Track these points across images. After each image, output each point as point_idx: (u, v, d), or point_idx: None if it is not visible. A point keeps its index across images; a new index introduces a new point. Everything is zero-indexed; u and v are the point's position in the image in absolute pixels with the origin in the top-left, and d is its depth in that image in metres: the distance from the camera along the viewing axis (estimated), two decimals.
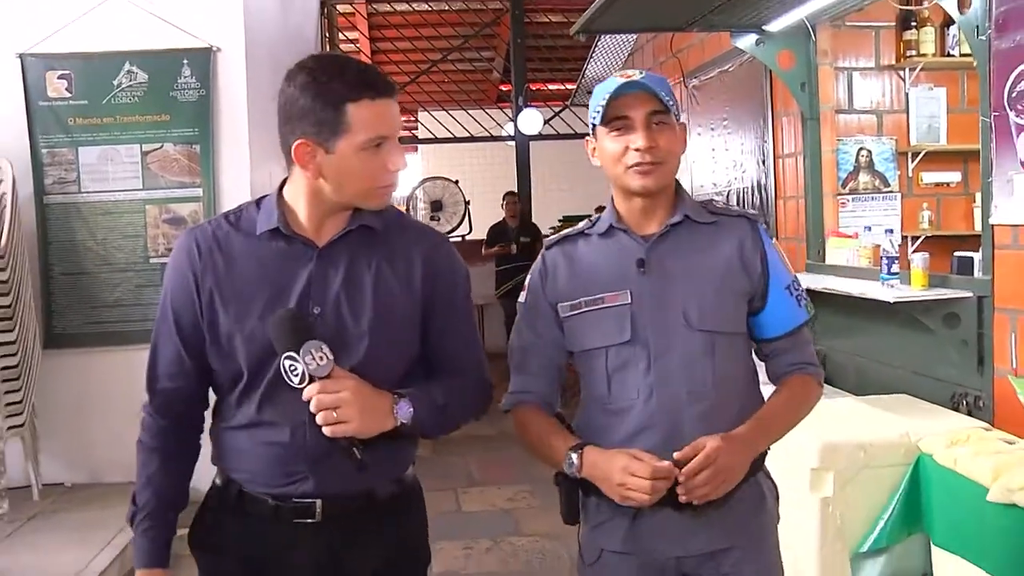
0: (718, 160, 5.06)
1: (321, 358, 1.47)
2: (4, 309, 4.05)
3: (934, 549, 2.39)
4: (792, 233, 4.17)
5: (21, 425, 4.17)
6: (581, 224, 1.78)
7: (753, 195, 4.56)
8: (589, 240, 1.75)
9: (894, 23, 4.00)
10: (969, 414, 2.78)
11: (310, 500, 1.58)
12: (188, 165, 4.68)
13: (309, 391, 1.47)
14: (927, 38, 3.96)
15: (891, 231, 3.14)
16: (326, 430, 1.48)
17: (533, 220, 8.96)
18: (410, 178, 11.90)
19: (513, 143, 9.56)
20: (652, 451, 1.57)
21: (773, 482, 1.77)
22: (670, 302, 1.64)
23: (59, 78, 4.57)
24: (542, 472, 1.75)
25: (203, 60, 4.65)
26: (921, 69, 4.04)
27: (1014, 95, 2.53)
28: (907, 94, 4.08)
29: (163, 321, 1.63)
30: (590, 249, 1.73)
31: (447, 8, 10.44)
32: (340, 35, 10.19)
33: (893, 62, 4.06)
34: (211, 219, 1.66)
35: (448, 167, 11.64)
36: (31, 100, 4.57)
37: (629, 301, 1.65)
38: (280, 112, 1.55)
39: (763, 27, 3.75)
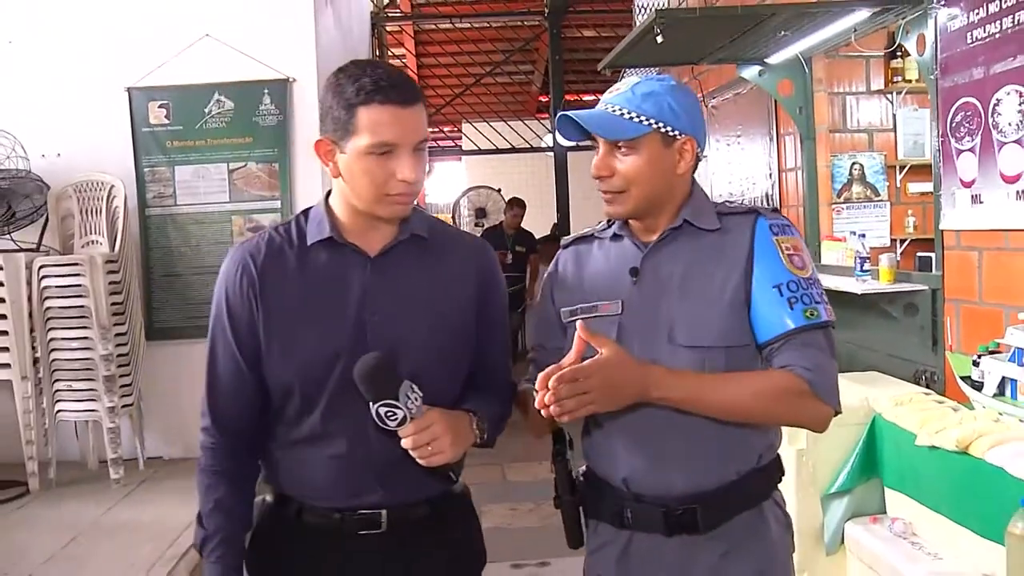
0: (734, 172, 5.66)
1: (417, 398, 1.45)
2: (117, 305, 4.78)
3: (886, 490, 2.98)
4: None
5: (131, 404, 4.87)
6: (599, 225, 1.72)
7: (762, 204, 5.15)
8: (601, 243, 1.69)
9: (883, 53, 4.58)
10: (927, 387, 3.34)
11: (376, 511, 1.58)
12: (268, 181, 5.37)
13: (405, 433, 1.46)
14: (912, 66, 4.52)
15: (863, 235, 3.72)
16: (422, 462, 1.47)
17: (527, 229, 8.76)
18: (455, 187, 12.56)
19: (551, 154, 10.22)
20: (639, 473, 1.56)
21: (784, 511, 1.65)
22: (658, 315, 1.55)
23: (159, 107, 5.28)
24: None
25: (281, 89, 5.34)
26: (907, 93, 4.61)
27: (954, 125, 3.11)
28: (895, 115, 4.65)
29: (220, 338, 1.60)
30: (599, 253, 1.68)
31: (488, 25, 11.06)
32: (389, 52, 10.89)
33: (882, 87, 4.63)
34: (259, 233, 1.64)
35: (491, 176, 12.19)
36: (136, 127, 5.28)
37: (619, 312, 1.58)
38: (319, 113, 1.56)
39: (765, 60, 4.34)
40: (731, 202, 1.66)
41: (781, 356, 1.50)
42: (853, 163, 4.62)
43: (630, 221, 1.63)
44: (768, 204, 5.06)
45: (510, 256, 8.08)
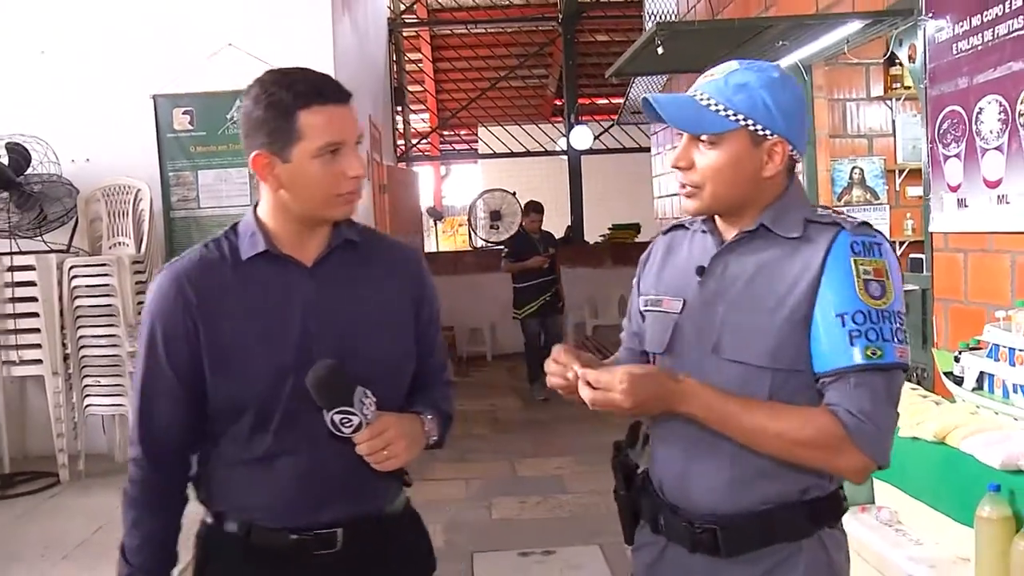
0: None
1: (371, 403, 1.45)
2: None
3: (875, 480, 3.11)
4: None
5: None
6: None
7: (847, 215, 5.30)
8: (693, 235, 1.58)
9: (882, 61, 4.71)
10: (919, 383, 3.47)
11: (332, 530, 1.55)
12: None
13: (360, 439, 1.46)
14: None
15: None
16: (377, 467, 1.48)
17: (547, 231, 8.29)
18: (471, 190, 12.73)
19: (566, 157, 10.39)
20: (668, 482, 1.52)
21: (829, 555, 1.47)
22: (712, 322, 1.45)
23: (183, 114, 5.50)
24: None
25: None
26: (905, 99, 4.74)
27: (940, 132, 3.25)
28: (894, 120, 4.78)
29: (153, 366, 1.54)
30: (687, 244, 1.58)
31: (503, 30, 11.26)
32: (406, 57, 11.10)
33: (882, 93, 4.77)
34: (186, 253, 1.59)
35: (507, 179, 12.26)
36: (161, 132, 5.51)
37: (679, 310, 1.50)
38: (241, 129, 1.52)
39: None
40: (829, 208, 1.48)
41: (831, 393, 1.36)
42: (853, 167, 4.75)
43: (716, 216, 1.51)
44: None
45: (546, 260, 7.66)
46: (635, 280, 1.67)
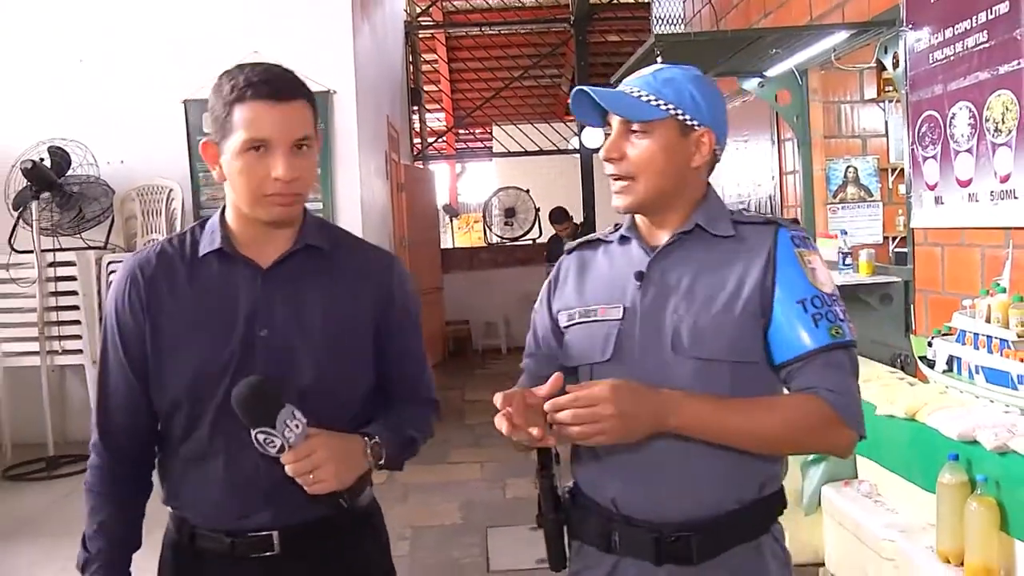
0: (743, 174, 6.06)
1: (296, 425, 1.38)
2: None
3: (858, 457, 3.38)
4: None
5: None
6: (606, 229, 1.64)
7: (766, 204, 5.55)
8: (607, 248, 1.59)
9: (875, 65, 4.95)
10: (902, 369, 3.73)
11: (267, 533, 1.52)
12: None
13: (284, 461, 1.39)
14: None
15: (846, 232, 4.12)
16: (306, 489, 1.41)
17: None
18: (486, 187, 13.00)
19: (578, 155, 10.64)
20: (629, 493, 1.46)
21: (783, 547, 1.52)
22: (664, 323, 1.44)
23: None
24: None
25: (322, 101, 5.82)
26: (897, 101, 4.96)
27: (919, 135, 3.50)
28: (887, 121, 5.02)
29: (111, 352, 1.55)
30: (605, 258, 1.58)
31: (516, 32, 11.50)
32: (422, 58, 11.38)
33: (875, 96, 5.01)
34: (151, 245, 1.59)
35: (520, 177, 12.55)
36: (191, 135, 5.81)
37: (620, 317, 1.48)
38: None
39: (764, 73, 4.74)
40: (746, 211, 1.61)
41: (803, 376, 1.40)
42: (848, 166, 4.99)
43: (638, 224, 1.54)
44: (771, 205, 5.46)
45: None
46: (541, 302, 1.64)
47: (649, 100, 1.45)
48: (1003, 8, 2.88)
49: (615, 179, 1.49)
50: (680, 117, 1.45)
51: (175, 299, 1.52)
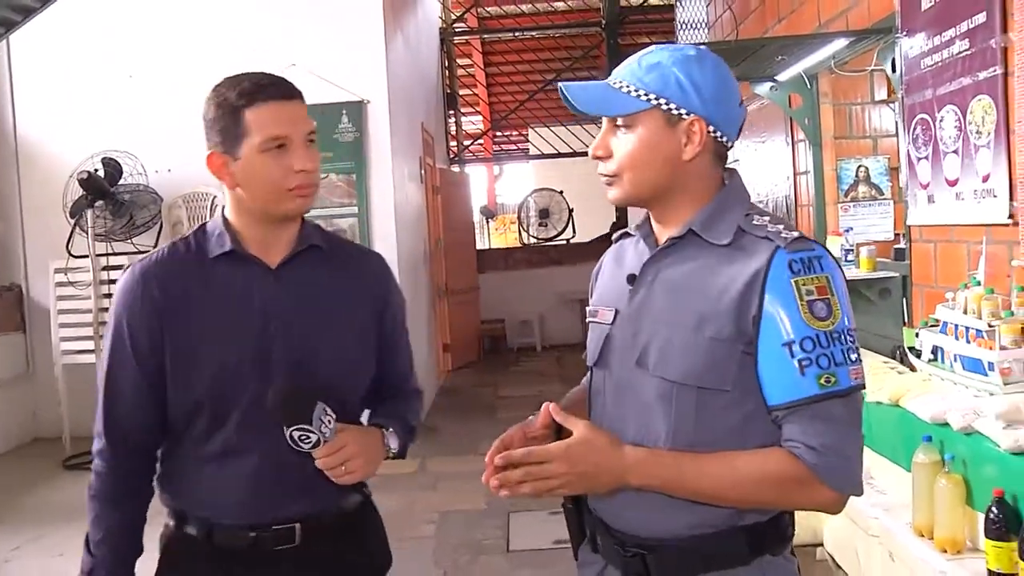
0: (761, 175, 6.23)
1: (330, 420, 1.46)
2: None
3: None
4: (807, 233, 5.32)
5: None
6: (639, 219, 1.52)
7: (783, 204, 5.73)
8: (634, 241, 1.50)
9: (868, 70, 5.10)
10: (901, 360, 3.89)
11: (290, 525, 1.57)
12: (347, 190, 6.16)
13: (318, 455, 1.47)
14: None
15: (850, 229, 4.30)
16: (336, 481, 1.51)
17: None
18: (524, 188, 13.25)
19: None
20: (597, 500, 1.42)
21: (794, 569, 1.41)
22: (639, 333, 1.37)
23: None
24: None
25: (357, 110, 6.12)
26: None
27: (914, 136, 3.68)
28: (896, 122, 5.16)
29: (121, 360, 1.56)
30: (628, 252, 1.50)
31: (550, 36, 11.74)
32: (457, 63, 11.66)
33: (886, 97, 5.16)
34: (155, 251, 1.62)
35: (556, 179, 12.76)
36: None
37: (611, 321, 1.43)
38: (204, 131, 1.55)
39: (775, 77, 4.93)
40: (763, 212, 1.39)
41: (787, 427, 1.28)
42: (859, 166, 5.15)
43: (651, 218, 1.44)
44: (787, 204, 5.63)
45: None
46: (589, 294, 1.61)
47: (629, 91, 1.35)
48: (981, 18, 3.05)
49: (602, 175, 1.42)
50: (664, 107, 1.33)
51: (192, 302, 1.56)
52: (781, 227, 1.33)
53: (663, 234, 1.42)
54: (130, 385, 1.56)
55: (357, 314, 1.66)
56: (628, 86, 1.35)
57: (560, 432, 1.40)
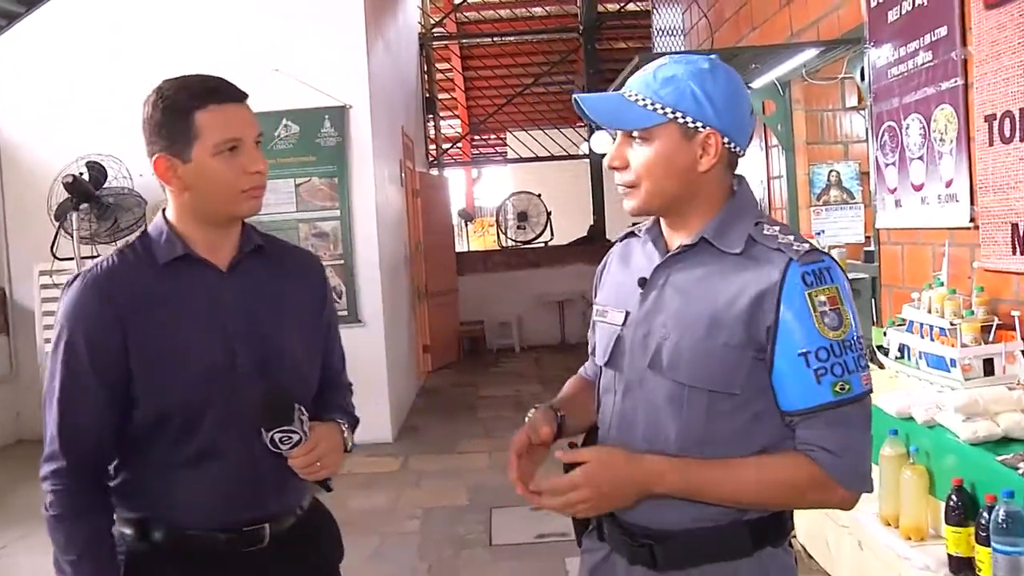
0: None
1: (306, 419, 1.50)
2: None
3: None
4: None
5: None
6: (649, 221, 1.55)
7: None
8: (644, 242, 1.53)
9: (837, 78, 5.25)
10: (870, 359, 4.04)
11: (260, 526, 1.57)
12: (329, 193, 6.24)
13: (297, 454, 1.50)
14: None
15: (821, 232, 4.44)
16: (309, 478, 1.55)
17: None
18: (502, 191, 13.36)
19: (588, 161, 10.97)
20: None
21: (791, 561, 1.47)
22: (651, 335, 1.42)
23: None
24: None
25: (339, 115, 6.18)
26: None
27: (882, 143, 3.83)
28: (866, 128, 5.32)
29: (74, 371, 1.50)
30: (639, 252, 1.54)
31: (528, 41, 11.86)
32: (436, 68, 11.75)
33: (856, 104, 5.32)
34: (102, 260, 1.56)
35: (535, 182, 12.79)
36: None
37: (621, 322, 1.47)
38: (143, 134, 1.52)
39: (750, 84, 5.06)
40: (772, 222, 1.43)
41: (803, 432, 1.34)
42: (831, 170, 5.30)
43: (662, 220, 1.49)
44: (761, 208, 5.75)
45: None
46: (593, 291, 1.65)
47: (646, 105, 1.38)
48: (942, 31, 3.20)
49: (619, 185, 1.46)
50: (681, 120, 1.37)
51: (153, 308, 1.53)
52: (792, 239, 1.39)
53: (673, 239, 1.47)
54: (88, 402, 1.51)
55: (307, 311, 1.70)
56: (644, 99, 1.38)
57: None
